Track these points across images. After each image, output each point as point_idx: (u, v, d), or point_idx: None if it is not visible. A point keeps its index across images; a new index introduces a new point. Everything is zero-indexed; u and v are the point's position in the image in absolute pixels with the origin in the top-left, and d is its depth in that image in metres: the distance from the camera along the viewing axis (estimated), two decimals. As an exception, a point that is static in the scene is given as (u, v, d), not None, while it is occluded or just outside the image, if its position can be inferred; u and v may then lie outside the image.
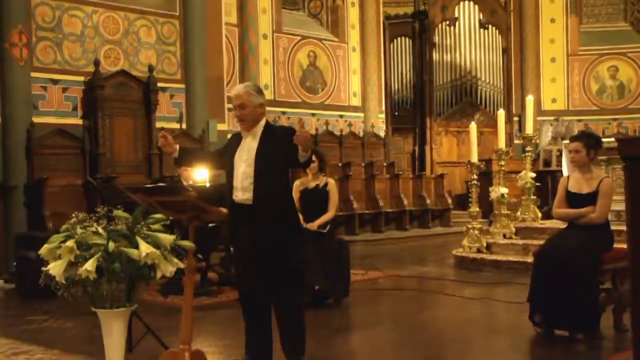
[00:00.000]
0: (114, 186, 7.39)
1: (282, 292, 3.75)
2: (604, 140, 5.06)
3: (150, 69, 9.38)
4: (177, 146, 3.85)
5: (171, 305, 5.85)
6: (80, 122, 8.97)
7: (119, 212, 3.15)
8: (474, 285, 6.88)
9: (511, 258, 7.74)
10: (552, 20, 16.63)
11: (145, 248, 2.96)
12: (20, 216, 8.24)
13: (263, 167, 3.65)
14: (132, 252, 2.96)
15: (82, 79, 9.03)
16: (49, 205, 8.03)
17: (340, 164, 12.94)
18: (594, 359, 4.13)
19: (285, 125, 4.54)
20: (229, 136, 4.41)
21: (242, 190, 3.69)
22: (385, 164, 13.91)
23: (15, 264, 7.09)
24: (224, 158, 3.89)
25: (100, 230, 3.07)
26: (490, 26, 15.90)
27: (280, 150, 3.63)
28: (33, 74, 8.57)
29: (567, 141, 7.37)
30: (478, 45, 15.65)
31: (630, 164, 2.64)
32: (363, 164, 13.31)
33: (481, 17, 15.74)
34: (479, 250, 8.19)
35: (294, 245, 3.77)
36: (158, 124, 9.41)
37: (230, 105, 7.16)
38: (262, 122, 3.78)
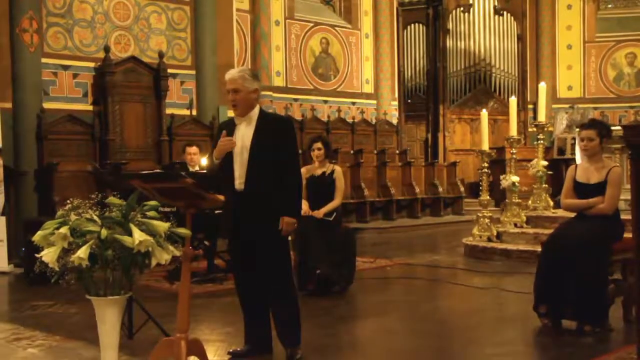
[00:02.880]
0: (118, 172, 7.39)
1: (273, 282, 3.71)
2: (614, 128, 4.96)
3: (161, 55, 9.35)
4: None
5: (177, 292, 5.81)
6: (90, 108, 8.98)
7: (113, 199, 3.11)
8: (483, 274, 6.81)
9: (522, 247, 7.64)
10: (569, 7, 16.33)
11: (138, 236, 2.92)
12: (30, 202, 8.28)
13: (258, 156, 3.61)
14: (125, 239, 2.93)
15: (92, 65, 9.04)
16: (58, 191, 8.06)
17: (352, 151, 12.86)
18: (601, 351, 4.04)
19: (281, 115, 4.49)
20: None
21: (239, 179, 3.66)
22: (397, 151, 13.81)
23: (24, 249, 7.12)
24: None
25: (95, 217, 3.03)
26: (505, 12, 15.68)
27: (275, 142, 3.62)
28: (43, 60, 8.58)
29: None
30: (492, 31, 15.45)
31: (636, 153, 2.52)
32: (375, 152, 13.22)
33: (496, 3, 15.52)
34: (489, 239, 8.10)
35: (284, 236, 3.71)
36: (168, 111, 9.42)
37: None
38: (256, 110, 3.73)
